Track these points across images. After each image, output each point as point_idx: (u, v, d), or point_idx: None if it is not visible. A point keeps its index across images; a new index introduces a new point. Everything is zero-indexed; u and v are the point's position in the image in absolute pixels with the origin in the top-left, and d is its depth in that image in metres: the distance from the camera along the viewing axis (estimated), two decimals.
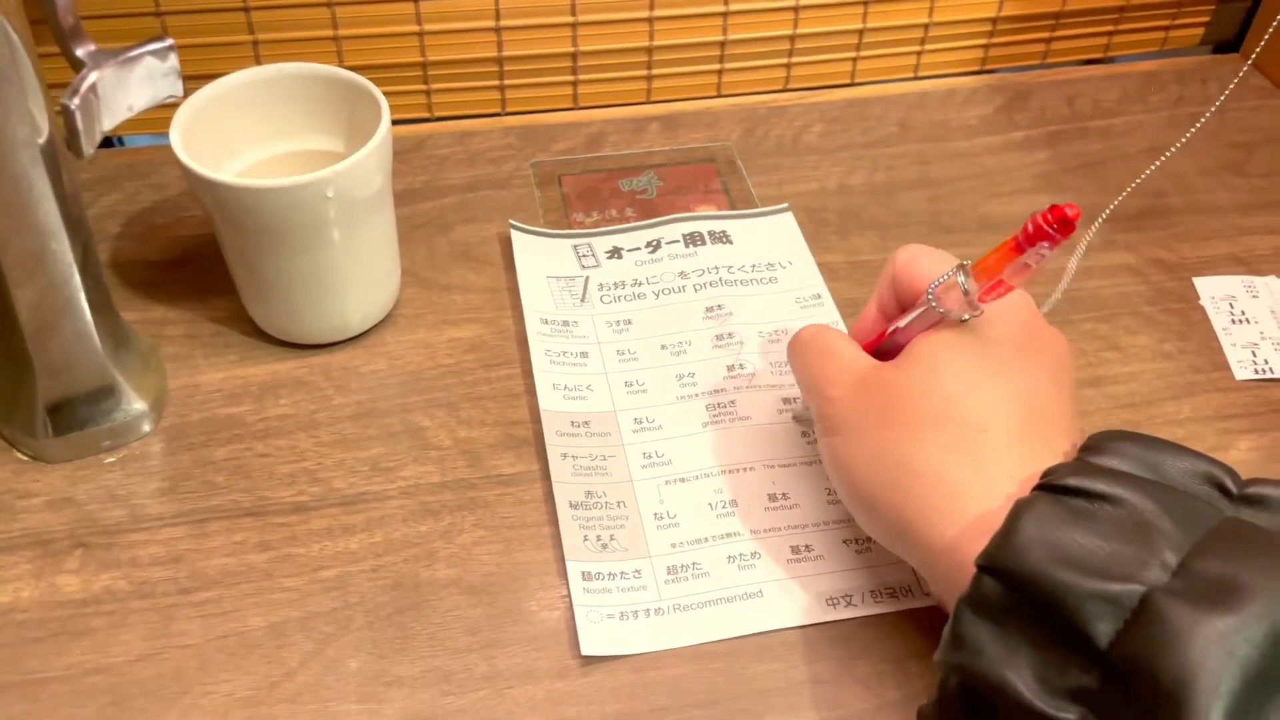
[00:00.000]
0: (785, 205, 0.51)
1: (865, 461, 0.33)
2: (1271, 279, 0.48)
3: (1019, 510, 0.28)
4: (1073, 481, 0.28)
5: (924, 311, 0.34)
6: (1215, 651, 0.24)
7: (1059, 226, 0.29)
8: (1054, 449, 0.32)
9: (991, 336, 0.33)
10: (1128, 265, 0.49)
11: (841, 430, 0.34)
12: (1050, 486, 0.28)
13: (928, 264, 0.36)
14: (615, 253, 0.48)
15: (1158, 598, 0.25)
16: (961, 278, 0.32)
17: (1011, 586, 0.27)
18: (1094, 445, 0.30)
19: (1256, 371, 0.45)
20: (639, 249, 0.48)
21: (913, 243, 0.37)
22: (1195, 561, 0.26)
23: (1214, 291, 0.48)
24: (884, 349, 0.36)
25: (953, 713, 0.29)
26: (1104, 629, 0.25)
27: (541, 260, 0.47)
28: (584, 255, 0.48)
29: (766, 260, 0.48)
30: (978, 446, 0.31)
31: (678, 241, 0.48)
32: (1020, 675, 0.26)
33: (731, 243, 0.48)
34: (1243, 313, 0.47)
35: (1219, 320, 0.47)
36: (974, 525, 0.30)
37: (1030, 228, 0.29)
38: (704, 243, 0.48)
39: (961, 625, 0.28)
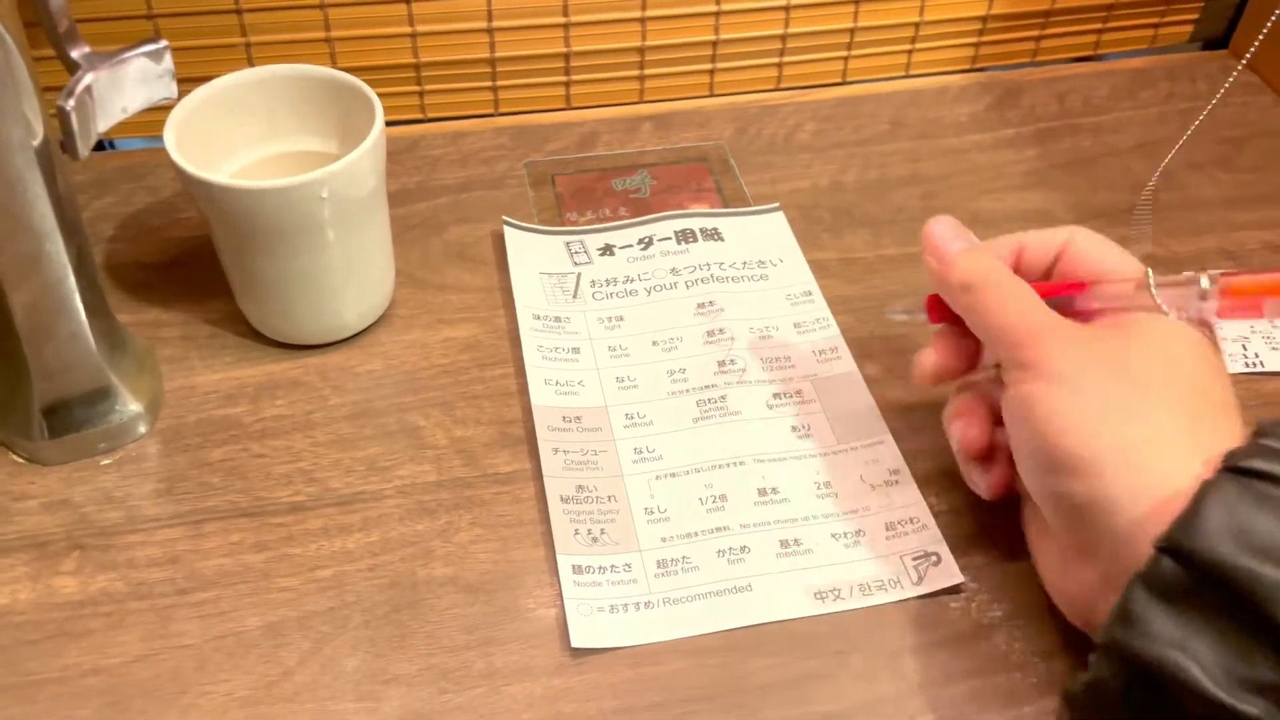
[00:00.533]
0: (776, 205, 0.51)
1: (1085, 416, 0.31)
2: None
3: (1204, 492, 0.27)
4: (1260, 465, 0.27)
5: (1132, 302, 0.34)
6: None
7: None
8: (1225, 442, 0.31)
9: (1196, 332, 0.33)
10: None
11: (1061, 380, 0.32)
12: (1236, 469, 0.28)
13: (1114, 255, 0.36)
14: (607, 250, 0.48)
15: None
16: (1206, 280, 0.33)
17: (1194, 570, 0.26)
18: (1268, 430, 0.29)
19: (1247, 365, 0.45)
20: (631, 246, 0.48)
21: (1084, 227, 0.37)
22: None
23: None
24: (1057, 305, 0.35)
25: (1108, 695, 0.28)
26: None
27: (534, 257, 0.48)
28: (576, 252, 0.48)
29: (758, 258, 0.48)
30: (1206, 432, 0.30)
31: (669, 239, 0.49)
32: (1198, 662, 0.26)
33: (723, 240, 0.49)
34: None
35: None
36: (1166, 502, 0.29)
37: None
38: (696, 240, 0.48)
39: (1133, 604, 0.27)
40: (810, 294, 0.47)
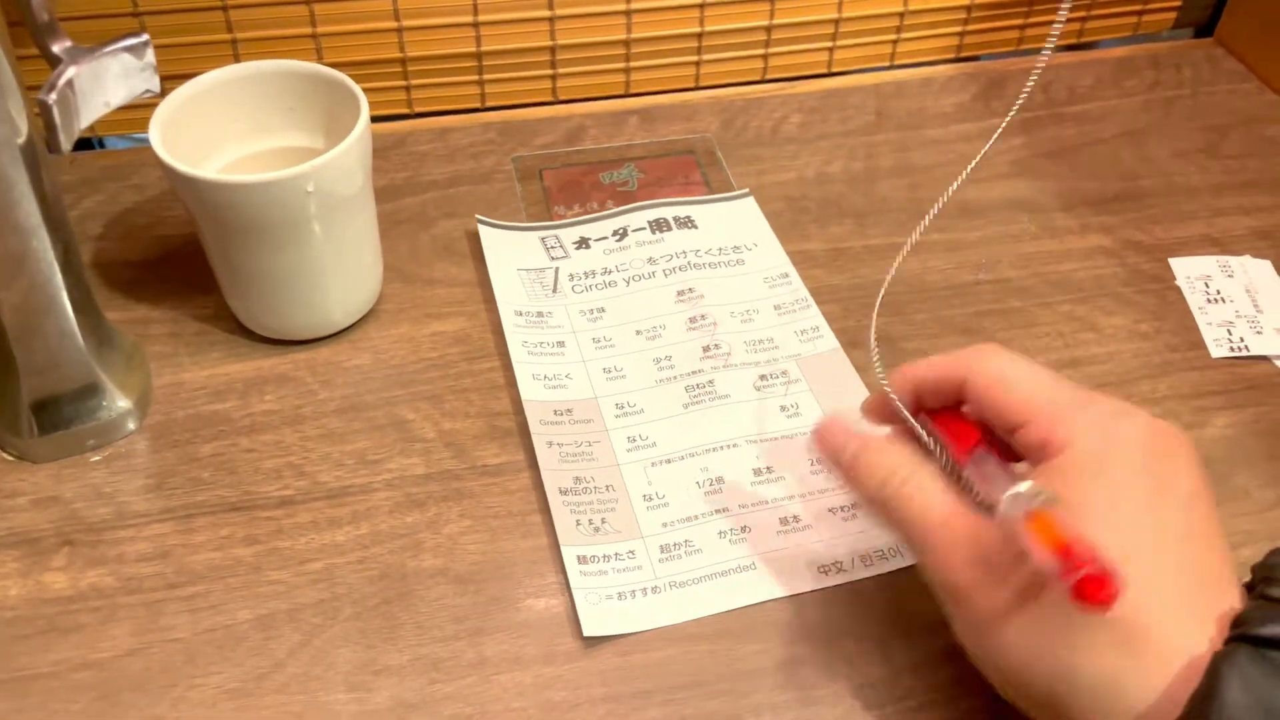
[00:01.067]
0: (746, 190, 0.51)
1: (1037, 652, 0.28)
2: (1246, 258, 0.49)
3: (1218, 667, 0.25)
4: (1275, 631, 0.25)
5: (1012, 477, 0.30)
6: None
7: (1097, 602, 0.26)
8: (1221, 601, 0.28)
9: (1122, 489, 0.29)
10: (1103, 248, 0.50)
11: (987, 625, 0.29)
12: (1250, 638, 0.25)
13: (1028, 385, 0.31)
14: (583, 243, 0.48)
15: None
16: (1026, 489, 0.28)
17: None
18: (1273, 577, 0.27)
19: (1232, 349, 0.45)
20: (606, 238, 0.49)
21: (988, 344, 0.32)
22: None
23: (1189, 271, 0.48)
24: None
25: None
26: None
27: (511, 253, 0.48)
28: (552, 247, 0.48)
29: (733, 243, 0.48)
30: (1145, 642, 0.27)
31: (644, 229, 0.49)
32: None
33: (697, 228, 0.49)
34: (1218, 292, 0.47)
35: (1194, 300, 0.47)
36: (1172, 686, 0.26)
37: (1074, 586, 0.26)
38: (670, 229, 0.49)
39: None
40: (787, 276, 0.47)
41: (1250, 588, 0.28)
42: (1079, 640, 0.27)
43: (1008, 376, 0.31)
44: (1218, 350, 0.45)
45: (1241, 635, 0.26)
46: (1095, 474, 0.29)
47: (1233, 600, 0.28)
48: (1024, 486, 0.28)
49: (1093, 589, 0.26)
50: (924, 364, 0.33)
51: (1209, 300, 0.47)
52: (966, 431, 0.32)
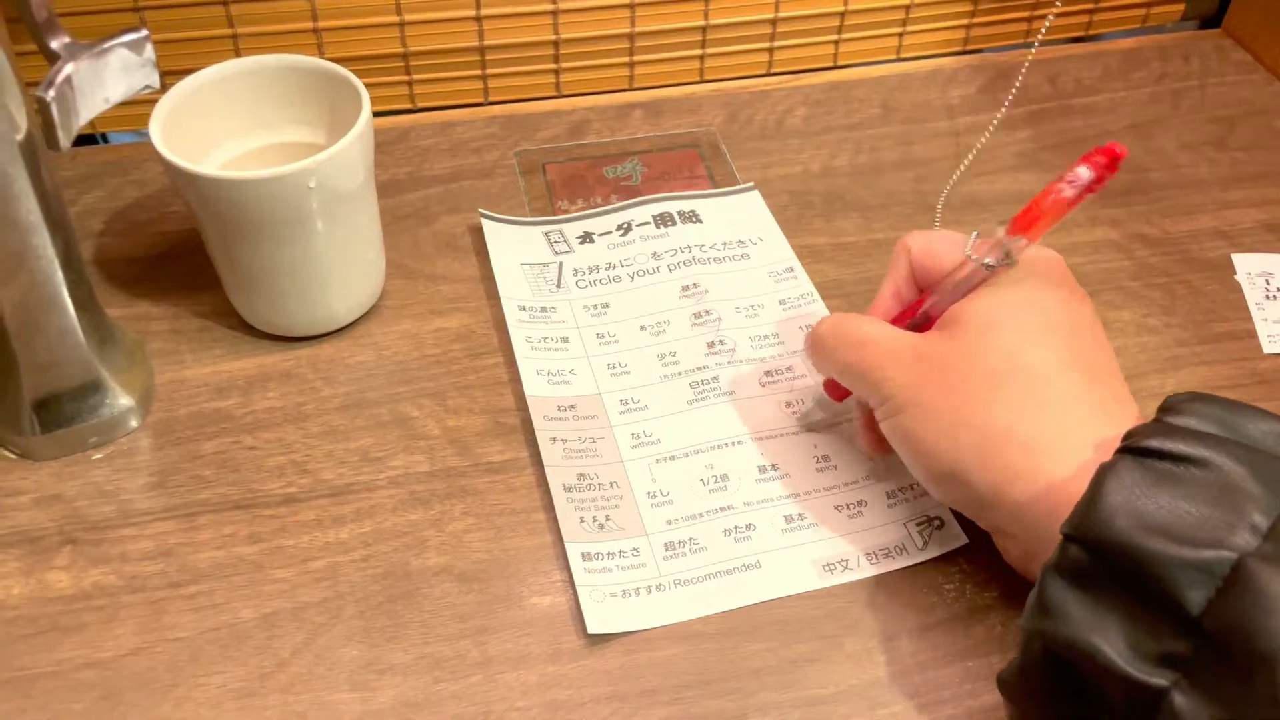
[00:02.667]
0: (751, 184, 0.51)
1: (937, 434, 0.33)
2: None
3: (1102, 475, 0.28)
4: (1156, 444, 0.28)
5: (962, 277, 0.34)
6: None
7: (1107, 162, 0.31)
8: (1121, 399, 0.33)
9: (1035, 291, 0.34)
10: (1111, 241, 0.49)
11: (907, 408, 0.34)
12: (1133, 449, 0.28)
13: (945, 245, 0.37)
14: (586, 237, 0.48)
15: (1250, 564, 0.25)
16: (999, 229, 0.33)
17: (1098, 554, 0.27)
18: (1172, 406, 0.30)
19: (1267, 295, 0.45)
20: (610, 232, 0.48)
21: (916, 230, 0.38)
22: None
23: (1251, 267, 0.48)
24: (915, 324, 0.36)
25: (1035, 679, 0.29)
26: (1195, 597, 0.25)
27: (514, 248, 0.47)
28: (556, 241, 0.48)
29: (737, 238, 0.48)
30: (1046, 397, 0.32)
31: (648, 223, 0.48)
32: (1110, 641, 0.26)
33: (701, 222, 0.49)
34: (1278, 290, 0.47)
35: (1253, 295, 0.47)
36: (1058, 484, 0.30)
37: (1076, 163, 0.31)
38: (674, 223, 0.48)
39: (1048, 591, 0.28)
40: (792, 270, 0.47)
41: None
42: (975, 441, 0.32)
43: (936, 235, 0.38)
44: (1271, 346, 0.45)
45: (1127, 447, 0.28)
46: (1022, 285, 0.34)
47: (1129, 421, 0.32)
48: (975, 233, 0.34)
49: (1107, 156, 0.31)
50: (886, 281, 0.38)
51: (1267, 296, 0.47)
52: (916, 303, 0.37)
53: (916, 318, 0.36)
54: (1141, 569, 0.26)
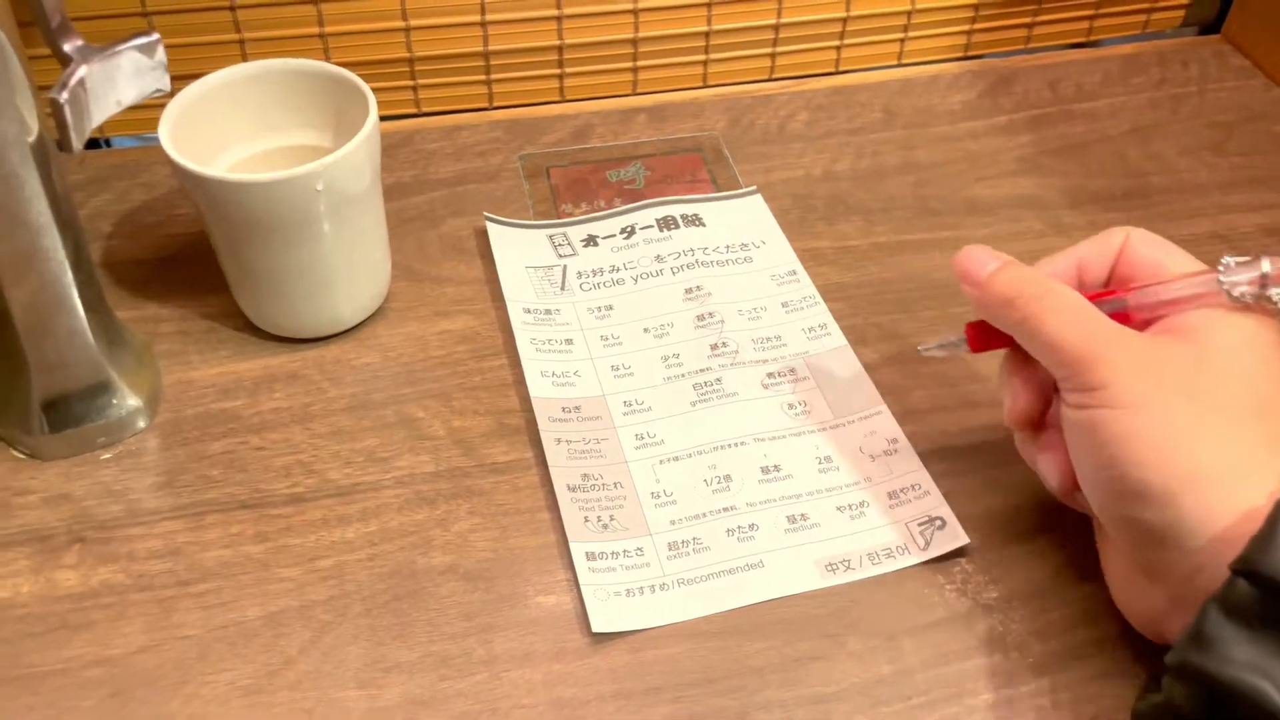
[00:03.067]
0: (754, 188, 0.51)
1: (1163, 442, 0.29)
2: None
3: (1278, 513, 0.26)
4: None
5: (1199, 284, 0.32)
6: None
7: None
8: None
9: (1273, 334, 0.31)
10: None
11: (1129, 404, 0.30)
12: None
13: (1169, 252, 0.34)
14: (591, 240, 0.48)
15: None
16: (1266, 263, 0.31)
17: (1270, 592, 0.26)
18: None
19: None
20: (614, 236, 0.49)
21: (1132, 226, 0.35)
22: None
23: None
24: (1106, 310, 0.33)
25: (1178, 718, 0.28)
26: None
27: (519, 251, 0.48)
28: (560, 245, 0.48)
29: (740, 241, 0.48)
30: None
31: (651, 226, 0.49)
32: (1278, 685, 0.25)
33: (704, 225, 0.49)
34: None
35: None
36: (1241, 522, 0.28)
37: None
38: (677, 226, 0.49)
39: (1209, 626, 0.26)
40: (795, 273, 0.47)
41: None
42: (1206, 461, 0.29)
43: (1165, 242, 0.35)
44: None
45: None
46: (1212, 337, 0.31)
47: None
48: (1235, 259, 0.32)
49: None
50: (1076, 248, 0.35)
51: None
52: (1117, 291, 0.34)
53: (1112, 301, 0.33)
54: None
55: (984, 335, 0.36)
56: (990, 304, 0.34)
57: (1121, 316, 0.33)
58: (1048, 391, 0.35)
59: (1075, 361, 0.31)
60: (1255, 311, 0.32)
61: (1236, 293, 0.31)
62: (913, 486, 0.39)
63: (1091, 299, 0.33)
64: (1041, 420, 0.35)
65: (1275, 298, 0.31)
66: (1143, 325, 0.33)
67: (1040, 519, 0.38)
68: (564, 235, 0.49)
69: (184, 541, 0.38)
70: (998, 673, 0.34)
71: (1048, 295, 0.32)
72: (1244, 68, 0.61)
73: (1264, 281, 0.31)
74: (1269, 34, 0.60)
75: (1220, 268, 0.32)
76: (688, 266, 0.47)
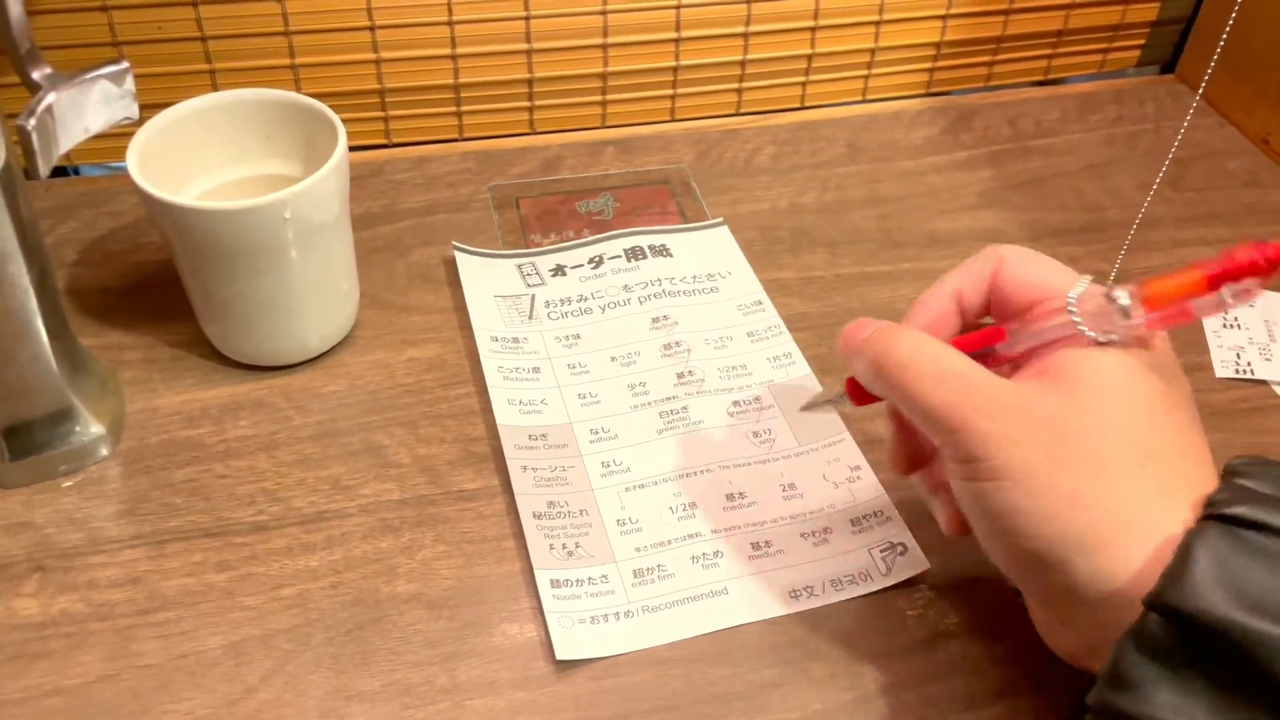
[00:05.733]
0: (720, 219, 0.52)
1: (1046, 512, 0.28)
2: (1271, 294, 0.50)
3: (1190, 543, 0.26)
4: (1244, 511, 0.26)
5: (1057, 325, 0.30)
6: None
7: (1273, 262, 0.27)
8: (1198, 490, 0.29)
9: (1155, 360, 0.30)
10: None
11: (1011, 475, 0.29)
12: (1220, 517, 0.26)
13: (1048, 270, 0.32)
14: (559, 270, 0.49)
15: None
16: (1124, 297, 0.29)
17: (1187, 628, 0.25)
18: (1240, 470, 0.28)
19: (1237, 371, 0.46)
20: (582, 265, 0.49)
21: (1002, 244, 0.34)
22: None
23: None
24: (982, 355, 0.32)
25: None
26: None
27: (487, 280, 0.48)
28: (529, 274, 0.49)
29: (707, 271, 0.49)
30: (1169, 484, 0.28)
31: (619, 256, 0.49)
32: None
33: (672, 256, 0.50)
34: (1235, 319, 0.49)
35: (1211, 323, 0.49)
36: (1149, 563, 0.27)
37: (1238, 259, 0.27)
38: (645, 256, 0.49)
39: (1125, 666, 0.26)
40: (761, 304, 0.48)
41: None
42: (1090, 526, 0.28)
43: (1038, 257, 0.33)
44: (1223, 371, 0.46)
45: (1212, 515, 0.27)
46: (1143, 353, 0.30)
47: (1207, 489, 0.28)
48: (1083, 283, 0.30)
49: (1276, 258, 0.27)
50: (951, 277, 0.34)
51: (1225, 325, 0.48)
52: (991, 332, 0.32)
53: (980, 352, 0.32)
54: (1241, 650, 0.24)
55: (863, 391, 0.34)
56: (862, 373, 0.33)
57: (993, 361, 0.32)
58: (921, 455, 0.34)
59: (947, 432, 0.30)
60: (1120, 345, 0.30)
61: (1095, 335, 0.30)
62: (875, 513, 0.39)
63: (965, 342, 0.32)
64: (926, 458, 0.35)
65: (1133, 315, 0.29)
66: (1020, 361, 0.32)
67: None
68: (532, 265, 0.49)
69: (145, 570, 0.37)
70: (958, 697, 0.34)
71: (912, 362, 0.31)
72: (1198, 106, 0.63)
73: (1126, 321, 0.30)
74: (1222, 74, 0.62)
75: (1070, 308, 0.30)
76: (655, 296, 0.48)
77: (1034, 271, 0.33)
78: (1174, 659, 0.25)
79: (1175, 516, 0.28)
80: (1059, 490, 0.28)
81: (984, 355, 0.32)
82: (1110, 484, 0.28)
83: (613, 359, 0.45)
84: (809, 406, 0.39)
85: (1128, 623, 0.27)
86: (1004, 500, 0.29)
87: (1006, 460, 0.29)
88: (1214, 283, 0.28)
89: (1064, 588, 0.29)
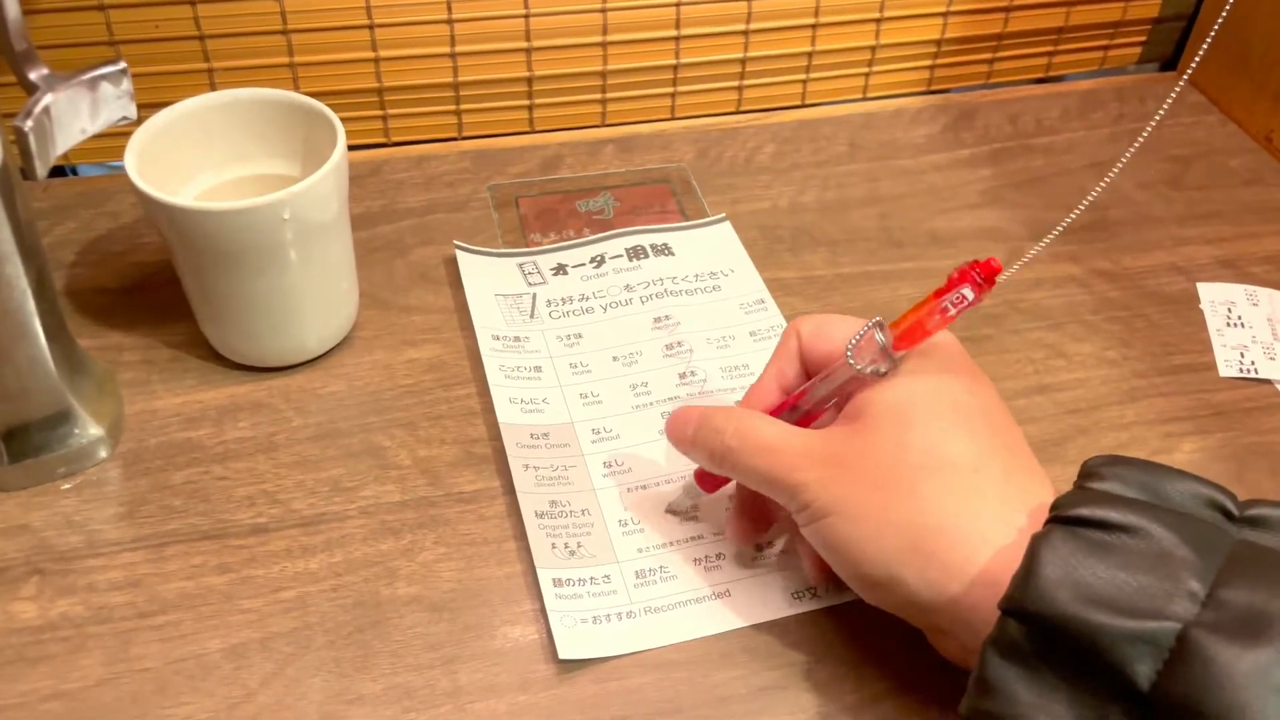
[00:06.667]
0: (723, 215, 0.52)
1: (865, 537, 0.31)
2: (1275, 291, 0.50)
3: (1036, 546, 0.27)
4: (1086, 512, 0.27)
5: (840, 371, 0.34)
6: (1259, 687, 0.23)
7: (985, 277, 0.31)
8: (1039, 480, 0.32)
9: (942, 380, 0.33)
10: (1072, 276, 0.51)
11: (830, 512, 0.32)
12: (1063, 519, 0.28)
13: (837, 329, 0.35)
14: (560, 269, 0.49)
15: (1195, 634, 0.24)
16: (878, 333, 0.33)
17: (1040, 628, 0.26)
18: (1093, 471, 0.29)
19: (1241, 370, 0.46)
20: (584, 265, 0.49)
21: (806, 314, 0.37)
22: (1221, 591, 0.25)
23: (1214, 296, 0.50)
24: (791, 419, 0.35)
25: None
26: (1144, 670, 0.25)
27: (489, 279, 0.48)
28: (530, 273, 0.48)
29: (709, 270, 0.49)
30: (974, 488, 0.31)
31: (621, 256, 0.49)
32: None
33: (674, 254, 0.49)
34: (1239, 318, 0.49)
35: (1214, 322, 0.48)
36: (997, 573, 0.29)
37: (955, 275, 0.31)
38: (647, 256, 0.49)
39: (989, 670, 0.27)
40: (763, 302, 0.48)
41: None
42: (908, 540, 0.31)
43: (826, 319, 0.36)
44: (1227, 370, 0.46)
45: (1056, 517, 0.28)
46: (928, 374, 0.33)
47: (1033, 481, 0.32)
48: (860, 332, 0.33)
49: (985, 272, 0.30)
50: (770, 364, 0.37)
51: (1229, 324, 0.48)
52: (793, 397, 0.36)
53: (791, 413, 0.35)
54: (1086, 643, 0.25)
55: (711, 476, 0.38)
56: (701, 461, 0.36)
57: (806, 420, 0.35)
58: (769, 507, 0.37)
59: (781, 490, 0.33)
60: (904, 373, 0.33)
61: (870, 371, 0.33)
62: None
63: (777, 408, 0.36)
64: (766, 524, 0.38)
65: (896, 361, 0.33)
66: (835, 414, 0.35)
67: None
68: (534, 264, 0.49)
69: (144, 573, 0.37)
70: (960, 698, 0.34)
71: (738, 444, 0.34)
72: (1200, 104, 0.62)
73: (886, 351, 0.33)
74: (1224, 71, 0.62)
75: (847, 353, 0.33)
76: (657, 295, 0.47)
77: (825, 333, 0.36)
78: (1031, 659, 0.26)
79: (995, 512, 0.30)
80: (873, 514, 0.31)
81: (807, 415, 0.35)
82: (919, 498, 0.31)
83: (614, 358, 0.45)
84: (671, 508, 0.40)
85: (980, 622, 0.29)
86: (834, 533, 0.32)
87: (826, 499, 0.32)
88: (940, 295, 0.31)
89: (907, 600, 0.31)
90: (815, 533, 0.33)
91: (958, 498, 0.31)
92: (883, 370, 0.33)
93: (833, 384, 0.34)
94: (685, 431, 0.36)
